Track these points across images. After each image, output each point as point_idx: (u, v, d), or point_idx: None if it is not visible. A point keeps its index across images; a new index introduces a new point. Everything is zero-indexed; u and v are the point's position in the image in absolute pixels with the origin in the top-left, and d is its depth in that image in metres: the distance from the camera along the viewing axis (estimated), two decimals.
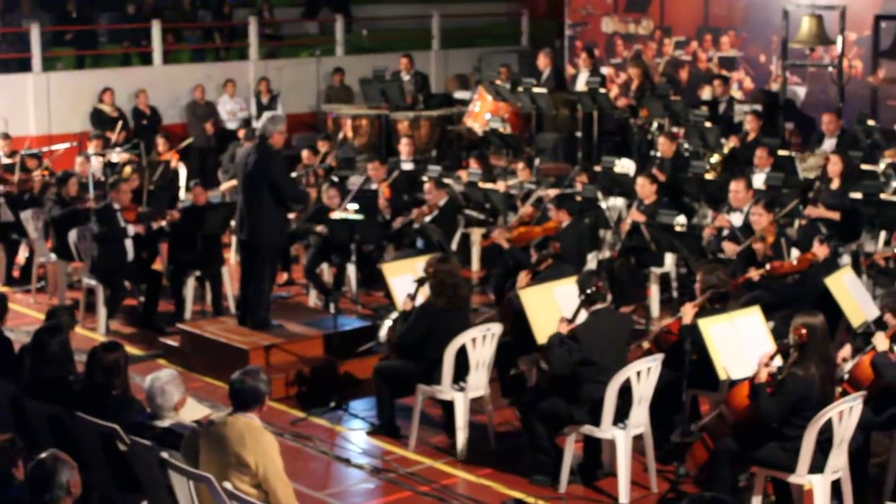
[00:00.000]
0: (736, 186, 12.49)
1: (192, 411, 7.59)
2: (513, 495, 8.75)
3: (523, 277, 10.64)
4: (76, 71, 20.75)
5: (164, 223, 12.89)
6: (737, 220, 12.32)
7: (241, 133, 16.91)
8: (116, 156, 16.32)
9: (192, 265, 13.03)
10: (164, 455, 6.89)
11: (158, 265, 13.73)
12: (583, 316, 8.84)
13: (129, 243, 12.75)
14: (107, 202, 12.85)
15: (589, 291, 8.78)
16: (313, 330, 11.47)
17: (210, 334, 11.42)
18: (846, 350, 9.03)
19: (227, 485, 6.59)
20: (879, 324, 9.38)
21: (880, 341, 8.48)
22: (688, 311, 9.14)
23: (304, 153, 16.10)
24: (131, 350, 10.99)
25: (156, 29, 20.62)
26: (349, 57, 22.35)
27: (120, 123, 17.96)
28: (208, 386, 10.89)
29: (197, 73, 20.82)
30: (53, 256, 13.79)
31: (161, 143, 17.00)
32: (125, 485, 7.47)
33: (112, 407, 7.64)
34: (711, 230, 12.52)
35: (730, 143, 15.41)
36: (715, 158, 15.17)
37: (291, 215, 12.95)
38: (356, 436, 9.97)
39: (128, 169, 15.36)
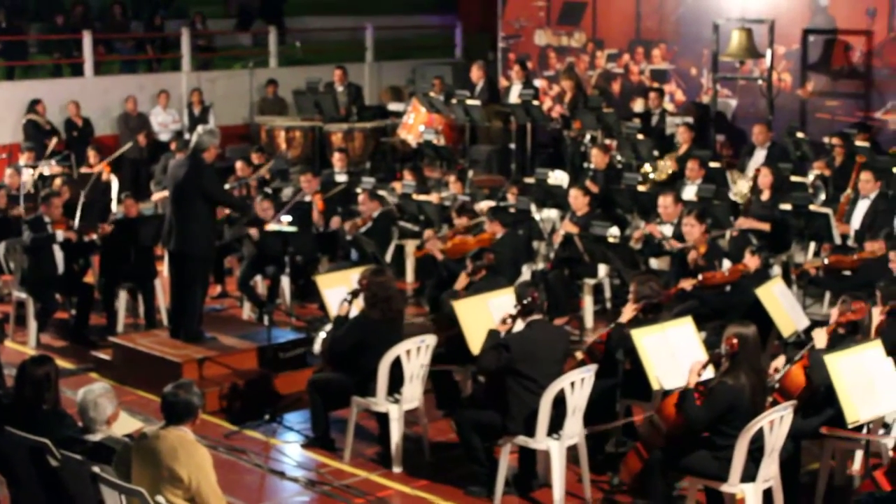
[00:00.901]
0: (664, 202, 12.59)
1: (125, 425, 7.52)
2: None
3: (462, 279, 10.67)
4: (6, 82, 20.56)
5: (95, 236, 12.77)
6: (668, 231, 12.43)
7: (174, 145, 16.81)
8: (48, 168, 16.16)
9: (124, 277, 12.93)
10: (96, 469, 6.83)
11: (90, 278, 13.60)
12: (519, 326, 8.87)
13: (59, 256, 12.62)
14: (37, 215, 12.72)
15: (525, 302, 8.81)
16: (247, 342, 11.40)
17: (143, 347, 11.33)
18: (780, 361, 9.12)
19: (160, 499, 6.55)
20: (809, 334, 9.49)
21: (820, 337, 8.59)
22: (627, 311, 9.23)
23: (238, 165, 16.03)
24: (62, 364, 10.88)
25: (87, 40, 20.45)
26: (283, 69, 22.29)
27: (54, 137, 17.82)
28: (141, 399, 10.80)
29: (129, 84, 20.67)
30: None
31: (92, 154, 16.85)
32: (56, 500, 7.38)
33: (42, 421, 7.55)
34: (640, 235, 12.60)
35: (668, 164, 15.49)
36: (659, 176, 15.27)
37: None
38: (291, 448, 9.93)
39: (58, 181, 15.24)
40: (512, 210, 13.70)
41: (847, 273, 11.77)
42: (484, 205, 14.40)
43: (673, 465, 8.07)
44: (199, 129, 11.35)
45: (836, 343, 8.64)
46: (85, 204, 14.10)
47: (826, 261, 12.02)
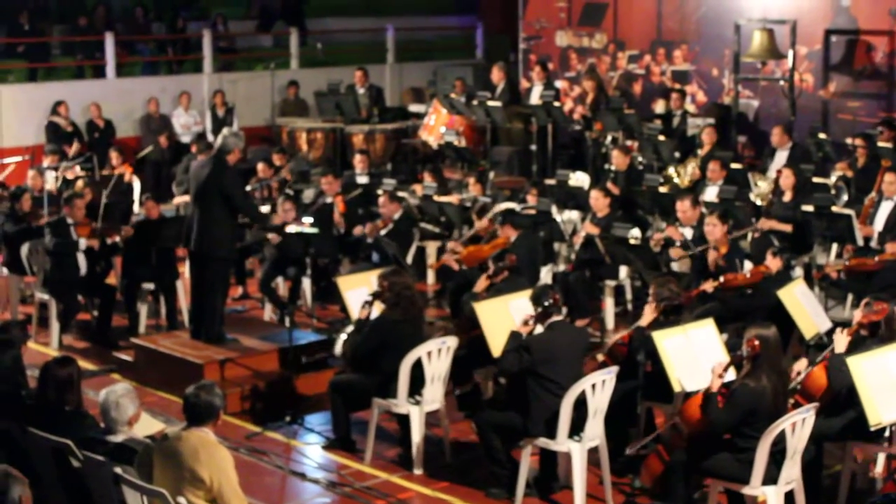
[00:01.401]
0: (682, 206, 12.50)
1: (146, 426, 7.54)
2: None
3: (482, 282, 10.67)
4: (28, 84, 20.62)
5: (117, 238, 12.81)
6: (688, 234, 12.39)
7: (195, 147, 16.85)
8: (70, 172, 16.22)
9: (146, 279, 12.96)
10: (118, 470, 6.85)
11: (112, 279, 13.65)
12: (539, 329, 8.87)
13: (81, 257, 12.67)
14: (60, 216, 12.77)
15: (546, 304, 8.80)
16: (268, 344, 11.42)
17: (164, 349, 11.36)
18: (802, 363, 9.09)
19: (182, 500, 6.57)
20: (831, 336, 9.45)
21: (840, 341, 8.55)
22: (647, 314, 9.21)
23: (260, 166, 16.05)
24: (85, 365, 10.92)
25: (109, 41, 20.52)
26: (304, 70, 22.32)
27: (76, 140, 17.89)
28: (162, 400, 10.83)
29: (151, 85, 20.75)
30: (6, 271, 13.68)
31: (115, 156, 16.90)
32: (78, 501, 7.41)
33: (64, 422, 7.58)
34: (660, 237, 12.59)
35: (691, 170, 15.44)
36: (682, 182, 15.23)
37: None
38: (312, 450, 9.94)
39: (80, 183, 15.28)
40: (532, 212, 13.67)
41: (869, 275, 11.72)
42: (506, 206, 14.38)
43: (694, 467, 8.05)
44: (225, 131, 11.39)
45: (858, 345, 8.61)
46: (107, 205, 14.15)
47: (847, 263, 11.98)
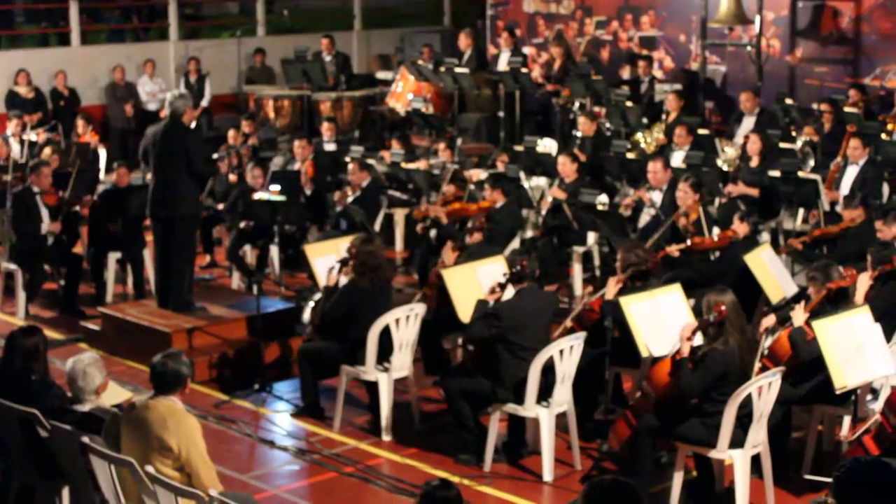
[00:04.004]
0: (654, 167, 12.60)
1: (114, 395, 7.52)
2: (438, 474, 8.73)
3: (449, 251, 10.67)
4: None
5: (79, 208, 12.73)
6: (657, 198, 12.43)
7: (163, 114, 16.74)
8: (35, 135, 16.11)
9: (112, 247, 12.91)
10: (86, 440, 6.82)
11: (79, 248, 13.58)
12: (509, 293, 8.88)
13: (45, 226, 12.59)
14: (26, 185, 12.68)
15: (515, 269, 8.82)
16: (236, 312, 11.40)
17: (132, 317, 11.33)
18: (770, 319, 9.13)
19: (150, 468, 6.55)
20: (798, 300, 9.50)
21: (798, 315, 8.59)
22: (611, 287, 9.23)
23: (230, 133, 15.99)
24: (51, 334, 10.86)
25: (73, 9, 20.35)
26: (270, 38, 22.21)
27: (39, 109, 17.79)
28: (130, 369, 10.80)
29: (116, 53, 20.60)
30: None
31: (81, 124, 16.79)
32: (46, 471, 7.40)
33: (31, 392, 7.55)
34: (630, 201, 12.60)
35: (657, 136, 15.47)
36: (648, 148, 15.25)
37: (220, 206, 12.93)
38: (280, 418, 9.94)
39: (47, 150, 15.18)
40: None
41: (833, 242, 11.76)
42: (474, 173, 14.37)
43: (662, 431, 8.09)
44: (169, 95, 11.40)
45: (823, 311, 8.64)
46: (77, 173, 14.06)
47: (810, 234, 12.01)
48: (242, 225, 13.22)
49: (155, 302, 11.65)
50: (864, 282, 9.14)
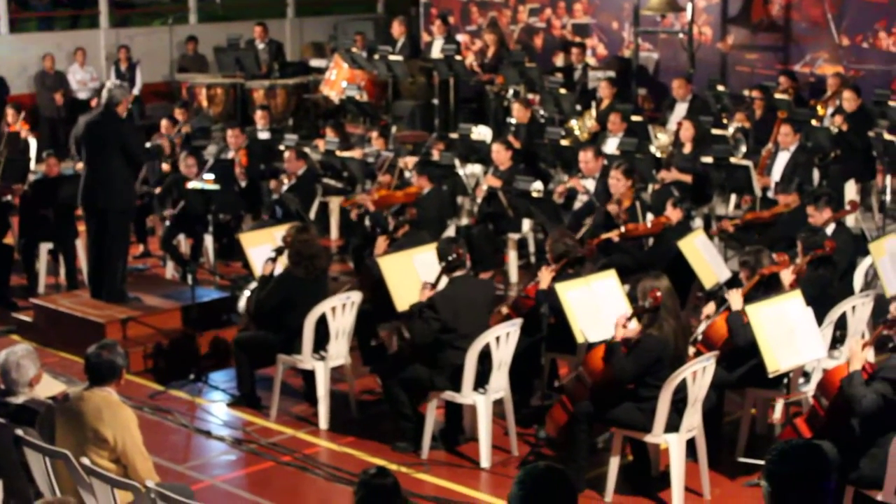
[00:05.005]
0: (584, 156, 12.64)
1: (48, 387, 7.45)
2: (375, 462, 8.76)
3: (381, 243, 10.66)
4: None
5: (10, 197, 12.59)
6: (590, 185, 12.49)
7: (94, 103, 16.59)
8: None
9: (44, 238, 12.78)
10: (19, 432, 6.76)
11: (9, 239, 13.42)
12: (444, 283, 8.89)
13: None
14: None
15: (449, 259, 8.82)
16: (171, 302, 11.34)
17: (65, 308, 11.23)
18: (710, 307, 9.21)
19: (85, 460, 6.50)
20: (731, 285, 9.60)
21: (735, 299, 8.68)
22: (545, 276, 9.26)
23: (164, 123, 15.87)
24: None
25: None
26: (202, 25, 22.05)
27: None
28: (64, 361, 10.70)
29: (46, 41, 20.37)
30: None
31: (10, 113, 16.58)
32: None
33: None
34: (563, 189, 12.66)
35: (590, 123, 15.54)
36: (582, 136, 15.31)
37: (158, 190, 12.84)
38: (217, 408, 9.90)
39: None
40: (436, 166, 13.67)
41: (765, 226, 11.88)
42: (410, 160, 14.37)
43: (598, 417, 8.15)
44: (108, 84, 11.29)
45: (755, 296, 8.73)
46: (6, 162, 13.90)
47: (743, 217, 12.13)
48: (167, 213, 13.11)
49: (88, 292, 11.55)
50: (788, 274, 9.18)
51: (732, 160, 13.08)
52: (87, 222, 11.39)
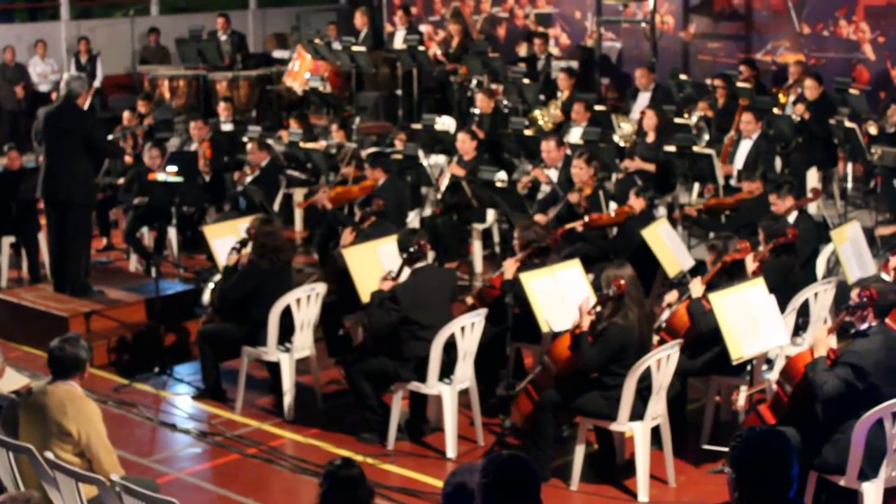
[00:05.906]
0: (547, 146, 12.64)
1: (11, 381, 7.42)
2: (341, 454, 8.77)
3: (347, 235, 10.65)
4: None
5: None
6: (553, 175, 12.50)
7: (55, 95, 16.49)
8: None
9: (6, 231, 12.70)
10: None
11: None
12: (406, 274, 8.89)
13: None
14: None
15: (411, 250, 8.82)
16: (135, 295, 11.30)
17: (27, 302, 11.17)
18: (673, 295, 9.26)
19: (49, 455, 6.47)
20: (695, 273, 9.64)
21: (696, 287, 8.72)
22: (509, 267, 9.27)
23: (126, 115, 15.78)
24: None
25: None
26: (164, 17, 21.92)
27: None
28: (27, 355, 10.64)
29: (6, 34, 20.21)
30: None
31: None
32: None
33: None
34: (527, 180, 12.68)
35: (554, 113, 15.57)
36: (546, 126, 15.33)
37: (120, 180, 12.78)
38: (181, 400, 9.87)
39: None
40: (399, 157, 13.66)
41: (728, 213, 11.94)
42: (372, 151, 14.34)
43: (564, 405, 8.17)
44: (66, 76, 11.26)
45: (718, 284, 8.77)
46: None
47: (706, 203, 12.19)
48: (137, 201, 13.05)
49: (51, 286, 11.49)
50: (750, 261, 9.23)
51: (695, 149, 13.13)
52: (47, 215, 11.33)
